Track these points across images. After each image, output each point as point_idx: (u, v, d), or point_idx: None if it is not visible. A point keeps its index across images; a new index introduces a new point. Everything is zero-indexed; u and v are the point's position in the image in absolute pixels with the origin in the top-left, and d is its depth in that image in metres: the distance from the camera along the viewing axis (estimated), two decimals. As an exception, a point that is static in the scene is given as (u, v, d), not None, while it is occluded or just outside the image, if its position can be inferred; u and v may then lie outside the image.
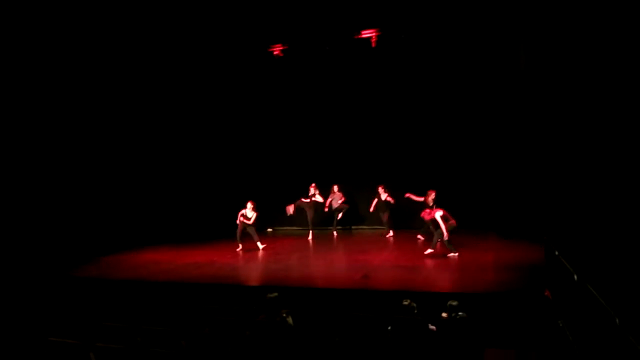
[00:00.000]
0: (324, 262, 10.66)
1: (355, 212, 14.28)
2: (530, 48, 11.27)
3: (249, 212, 11.96)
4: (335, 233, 13.82)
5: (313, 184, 13.32)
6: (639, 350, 3.78)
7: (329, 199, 13.40)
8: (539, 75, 10.87)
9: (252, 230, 12.09)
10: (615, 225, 5.77)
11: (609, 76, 6.28)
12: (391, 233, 13.10)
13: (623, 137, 5.69)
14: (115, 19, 12.48)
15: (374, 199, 13.05)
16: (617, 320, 4.25)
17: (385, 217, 13.04)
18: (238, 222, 12.08)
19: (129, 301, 8.55)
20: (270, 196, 14.02)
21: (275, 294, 6.85)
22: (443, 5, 11.73)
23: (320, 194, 13.28)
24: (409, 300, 6.65)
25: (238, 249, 12.19)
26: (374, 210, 13.17)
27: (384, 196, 12.75)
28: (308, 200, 13.22)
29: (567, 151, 8.72)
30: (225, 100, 15.48)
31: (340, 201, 13.41)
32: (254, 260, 11.49)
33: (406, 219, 13.33)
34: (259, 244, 12.20)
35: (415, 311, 6.56)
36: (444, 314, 6.33)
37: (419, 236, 12.05)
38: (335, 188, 13.46)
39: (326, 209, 13.48)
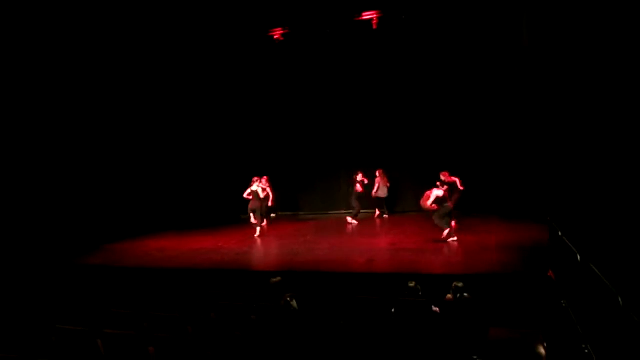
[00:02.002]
0: (328, 245, 10.70)
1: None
2: (534, 28, 11.14)
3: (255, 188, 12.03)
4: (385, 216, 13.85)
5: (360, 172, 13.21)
6: (642, 328, 3.79)
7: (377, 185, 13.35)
8: (541, 57, 10.76)
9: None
10: (618, 205, 5.75)
11: (610, 62, 6.20)
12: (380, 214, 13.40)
13: (624, 120, 5.64)
14: (112, 5, 12.37)
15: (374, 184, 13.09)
16: (620, 300, 4.25)
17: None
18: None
19: (135, 288, 8.63)
20: (273, 181, 14.01)
21: (279, 278, 6.89)
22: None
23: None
24: (414, 282, 6.69)
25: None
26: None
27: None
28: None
29: (570, 133, 8.66)
30: (227, 86, 15.40)
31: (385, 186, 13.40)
32: (259, 245, 11.55)
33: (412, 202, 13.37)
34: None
35: (420, 293, 6.59)
36: (448, 296, 6.36)
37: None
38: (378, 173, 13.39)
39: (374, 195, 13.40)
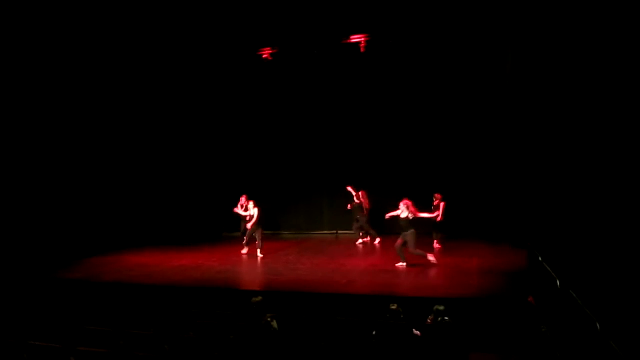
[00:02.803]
0: (310, 266, 10.64)
1: (341, 217, 14.24)
2: (517, 52, 11.42)
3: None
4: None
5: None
6: (620, 354, 3.83)
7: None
8: (524, 84, 11.02)
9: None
10: (598, 232, 5.85)
11: (589, 90, 6.38)
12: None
13: (606, 147, 5.77)
14: (108, 22, 12.41)
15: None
16: (598, 326, 4.30)
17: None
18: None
19: (114, 304, 8.45)
20: (257, 199, 13.93)
21: (260, 298, 6.82)
22: (431, 11, 11.83)
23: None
24: (396, 305, 6.65)
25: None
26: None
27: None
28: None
29: (551, 160, 8.83)
30: (212, 103, 15.44)
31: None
32: (240, 264, 11.44)
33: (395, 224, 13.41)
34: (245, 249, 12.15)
35: (401, 316, 6.57)
36: (429, 319, 6.35)
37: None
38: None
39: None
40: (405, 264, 9.98)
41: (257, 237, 11.87)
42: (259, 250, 11.86)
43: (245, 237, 12.25)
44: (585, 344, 4.67)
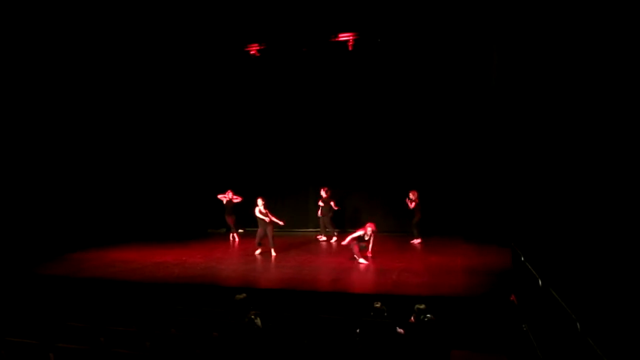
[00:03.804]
0: (295, 263, 10.62)
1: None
2: (503, 52, 11.51)
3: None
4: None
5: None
6: (598, 353, 3.88)
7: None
8: (509, 85, 11.12)
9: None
10: (580, 233, 5.92)
11: (573, 90, 6.45)
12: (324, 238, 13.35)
13: (588, 147, 5.85)
14: (97, 19, 12.28)
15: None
16: (578, 325, 4.35)
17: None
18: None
19: (95, 300, 8.35)
20: (242, 196, 13.87)
21: (244, 295, 6.78)
22: (419, 10, 11.86)
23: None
24: (380, 303, 6.67)
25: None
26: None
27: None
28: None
29: (535, 160, 8.92)
30: (199, 99, 15.31)
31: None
32: (224, 261, 11.37)
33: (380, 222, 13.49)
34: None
35: (385, 314, 6.59)
36: (412, 318, 6.37)
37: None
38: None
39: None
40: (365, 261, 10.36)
41: (269, 234, 11.49)
42: (272, 249, 11.54)
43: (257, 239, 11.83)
44: (565, 342, 4.72)
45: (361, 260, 10.36)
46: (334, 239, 13.10)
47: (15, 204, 12.10)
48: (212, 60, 14.48)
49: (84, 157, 13.78)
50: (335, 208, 13.30)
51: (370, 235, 10.46)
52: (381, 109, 13.91)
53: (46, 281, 9.75)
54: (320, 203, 13.17)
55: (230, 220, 13.58)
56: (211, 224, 15.28)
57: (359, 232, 10.39)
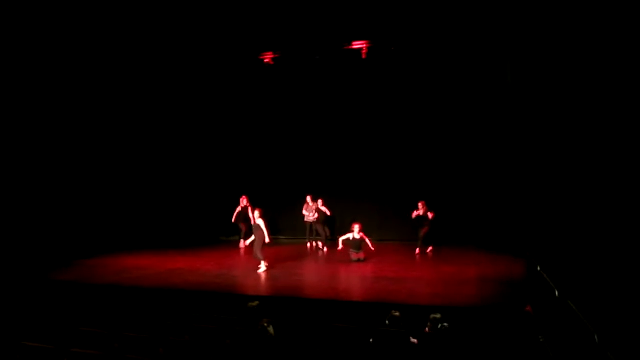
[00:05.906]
0: (307, 271, 10.60)
1: (338, 223, 14.18)
2: (516, 61, 11.44)
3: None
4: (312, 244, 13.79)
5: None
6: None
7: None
8: (524, 93, 11.03)
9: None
10: (597, 243, 5.82)
11: (590, 99, 6.37)
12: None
13: (605, 157, 5.76)
14: (111, 25, 12.41)
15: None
16: (596, 337, 4.27)
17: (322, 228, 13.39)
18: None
19: (109, 307, 8.40)
20: (254, 203, 13.89)
21: (257, 302, 6.78)
22: (433, 18, 11.84)
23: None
24: (398, 312, 6.57)
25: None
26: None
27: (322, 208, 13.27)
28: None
29: (551, 170, 8.81)
30: (212, 107, 15.43)
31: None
32: (237, 268, 11.38)
33: (393, 230, 13.48)
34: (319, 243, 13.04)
35: (402, 323, 6.52)
36: (427, 329, 6.30)
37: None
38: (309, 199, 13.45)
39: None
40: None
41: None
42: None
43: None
44: (582, 355, 4.63)
45: (355, 259, 11.21)
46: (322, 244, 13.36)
47: (32, 211, 12.25)
48: (227, 68, 14.59)
49: (98, 165, 13.93)
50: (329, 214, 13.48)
51: (360, 234, 11.33)
52: (394, 116, 13.90)
53: (61, 287, 9.83)
54: (323, 209, 13.31)
55: (243, 226, 13.62)
56: (223, 232, 15.33)
57: (348, 235, 11.38)
